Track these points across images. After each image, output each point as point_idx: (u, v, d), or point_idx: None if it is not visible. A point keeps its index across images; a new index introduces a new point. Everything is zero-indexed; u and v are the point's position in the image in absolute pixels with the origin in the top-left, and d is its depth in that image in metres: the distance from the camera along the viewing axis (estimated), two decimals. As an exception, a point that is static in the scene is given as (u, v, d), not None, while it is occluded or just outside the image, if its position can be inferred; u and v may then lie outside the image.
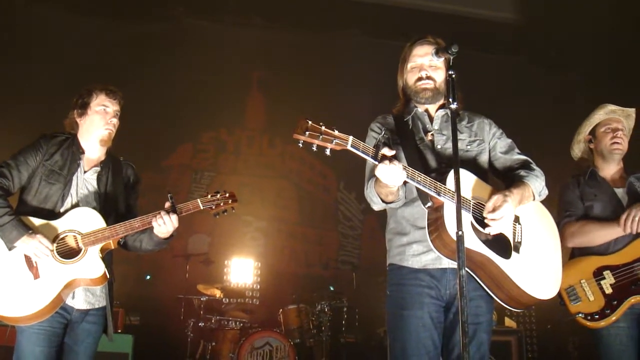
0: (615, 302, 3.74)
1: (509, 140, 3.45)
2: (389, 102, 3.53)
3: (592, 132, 4.19)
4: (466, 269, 2.92)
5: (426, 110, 3.40)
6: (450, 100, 2.81)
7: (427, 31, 3.41)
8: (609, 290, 3.78)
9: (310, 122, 2.71)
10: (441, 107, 3.37)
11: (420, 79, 3.30)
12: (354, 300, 8.15)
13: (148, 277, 8.74)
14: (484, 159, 3.38)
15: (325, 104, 8.65)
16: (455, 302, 3.12)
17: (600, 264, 3.85)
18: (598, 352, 3.86)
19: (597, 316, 3.76)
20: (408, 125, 3.36)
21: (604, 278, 3.80)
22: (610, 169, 4.13)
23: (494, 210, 3.01)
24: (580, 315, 3.80)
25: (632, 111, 4.18)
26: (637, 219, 3.74)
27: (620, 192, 4.03)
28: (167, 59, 9.15)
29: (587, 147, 4.26)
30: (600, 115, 4.16)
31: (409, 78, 3.36)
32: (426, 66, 3.29)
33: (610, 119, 4.13)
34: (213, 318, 7.52)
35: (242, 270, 9.31)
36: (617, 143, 4.05)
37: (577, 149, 4.34)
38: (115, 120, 3.77)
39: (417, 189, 3.08)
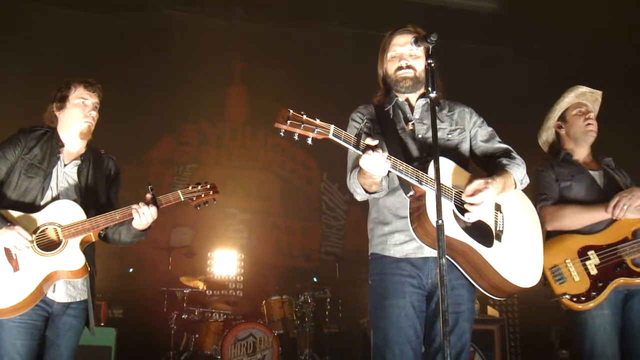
0: (600, 284, 3.65)
1: (490, 129, 3.46)
2: (370, 92, 3.52)
3: (562, 118, 4.19)
4: (448, 257, 2.94)
5: (407, 100, 3.39)
6: (430, 89, 2.81)
7: (408, 21, 3.39)
8: (594, 271, 3.67)
9: (291, 111, 2.70)
10: (422, 96, 3.36)
11: (400, 68, 3.29)
12: (337, 291, 8.17)
13: (131, 269, 8.69)
14: (465, 147, 3.38)
15: (307, 95, 8.65)
16: (436, 291, 3.12)
17: (585, 244, 3.76)
18: (580, 340, 3.76)
19: (583, 298, 3.65)
20: (389, 114, 3.35)
21: (589, 258, 3.71)
22: (581, 153, 4.13)
23: (473, 194, 3.01)
24: (566, 296, 3.66)
25: (599, 94, 4.19)
26: (625, 208, 3.70)
27: (595, 174, 4.02)
28: (148, 51, 9.07)
29: (556, 133, 4.26)
30: (570, 98, 4.16)
31: (389, 67, 3.35)
32: (406, 55, 3.28)
33: (580, 103, 4.15)
34: (196, 310, 7.53)
35: (225, 262, 9.27)
36: (591, 124, 4.08)
37: (545, 136, 4.33)
38: (94, 113, 3.75)
39: (399, 178, 3.06)
